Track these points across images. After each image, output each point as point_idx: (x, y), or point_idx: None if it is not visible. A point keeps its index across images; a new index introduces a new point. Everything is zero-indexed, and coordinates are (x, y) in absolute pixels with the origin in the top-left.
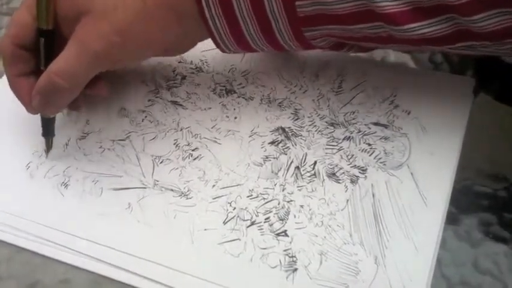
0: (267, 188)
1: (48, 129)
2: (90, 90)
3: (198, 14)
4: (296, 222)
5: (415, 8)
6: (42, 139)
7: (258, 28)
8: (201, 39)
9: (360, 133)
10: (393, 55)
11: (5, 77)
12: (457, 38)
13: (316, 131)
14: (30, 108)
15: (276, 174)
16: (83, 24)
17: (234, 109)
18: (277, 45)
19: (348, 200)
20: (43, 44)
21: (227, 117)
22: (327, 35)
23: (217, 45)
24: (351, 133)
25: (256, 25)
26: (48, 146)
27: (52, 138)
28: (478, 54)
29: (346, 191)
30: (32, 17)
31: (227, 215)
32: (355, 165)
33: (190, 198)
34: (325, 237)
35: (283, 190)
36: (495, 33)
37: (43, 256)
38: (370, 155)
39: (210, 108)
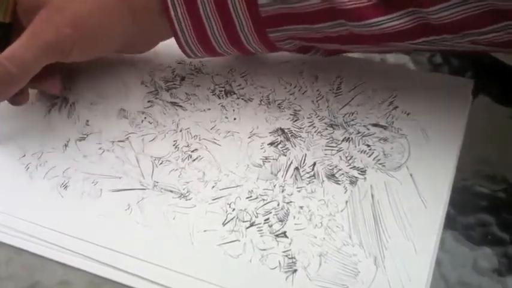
0: (267, 189)
1: None
2: (41, 85)
3: (164, 13)
4: (295, 224)
5: (375, 3)
6: (42, 140)
7: (222, 29)
8: (163, 39)
9: (359, 134)
10: (392, 57)
11: None
12: (418, 33)
13: (315, 132)
14: None
15: (276, 175)
16: (39, 16)
17: (233, 110)
18: (242, 47)
19: (347, 201)
20: None
21: (226, 118)
22: (291, 37)
23: (182, 49)
24: (350, 134)
25: (221, 26)
26: None
27: None
28: (437, 49)
29: (345, 192)
30: None
31: (226, 216)
32: (354, 167)
33: (189, 199)
34: (324, 238)
35: (282, 191)
36: (453, 25)
37: (42, 257)
38: (369, 156)
39: (210, 109)
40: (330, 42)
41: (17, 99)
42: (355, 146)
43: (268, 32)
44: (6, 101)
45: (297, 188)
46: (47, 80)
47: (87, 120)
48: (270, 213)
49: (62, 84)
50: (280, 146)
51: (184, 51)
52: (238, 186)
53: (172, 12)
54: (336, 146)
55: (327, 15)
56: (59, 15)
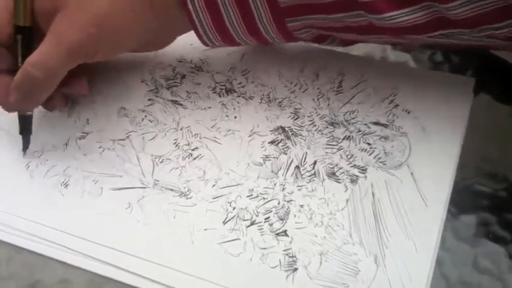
0: (267, 188)
1: (25, 127)
2: (68, 89)
3: (181, 6)
4: (296, 222)
5: None
6: (42, 139)
7: (240, 19)
8: (182, 33)
9: (360, 132)
10: (393, 54)
11: None
12: (435, 26)
13: (316, 130)
14: (7, 105)
15: (276, 173)
16: (60, 18)
17: (234, 108)
18: (260, 37)
19: (347, 200)
20: (20, 40)
21: (227, 116)
22: (309, 25)
23: (200, 38)
24: (351, 132)
25: (239, 16)
26: (26, 145)
27: (29, 136)
28: (459, 44)
29: (346, 190)
30: (9, 13)
31: (227, 215)
32: (355, 165)
33: (190, 198)
34: (325, 237)
35: (283, 190)
36: (469, 20)
37: (43, 256)
38: (370, 155)
39: (210, 107)
40: (348, 32)
41: (51, 104)
42: (356, 145)
43: (287, 21)
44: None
45: (298, 186)
46: (75, 83)
47: (88, 119)
48: (271, 211)
49: (87, 84)
50: (280, 144)
51: (202, 40)
52: (238, 184)
53: (190, 6)
54: (336, 145)
55: (346, 6)
56: (82, 15)
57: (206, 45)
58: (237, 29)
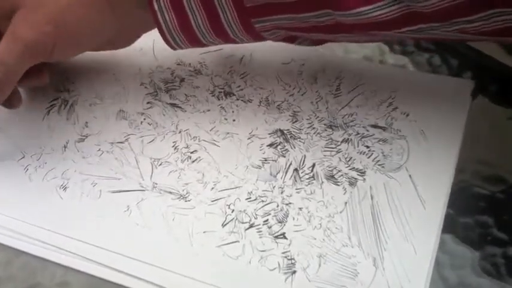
0: (266, 191)
1: None
2: (29, 83)
3: (146, 5)
4: (295, 225)
5: None
6: (41, 141)
7: (206, 20)
8: (146, 31)
9: (359, 135)
10: (391, 57)
11: None
12: (405, 21)
13: (314, 133)
14: None
15: (275, 176)
16: (17, 17)
17: (233, 111)
18: (227, 38)
19: (346, 203)
20: None
21: (226, 119)
22: (276, 27)
23: (166, 41)
24: (350, 135)
25: (205, 17)
26: None
27: None
28: (425, 38)
29: (344, 193)
30: None
31: (226, 218)
32: (353, 168)
33: (189, 200)
34: (323, 239)
35: (281, 192)
36: (441, 12)
37: (42, 259)
38: (368, 158)
39: (209, 110)
40: (316, 32)
41: (10, 102)
42: (355, 147)
43: (253, 22)
44: None
45: (296, 189)
46: (35, 77)
47: (86, 122)
48: (269, 214)
49: (48, 74)
50: (279, 147)
51: (168, 43)
52: (237, 187)
53: (155, 5)
54: (335, 147)
55: (312, 4)
56: (37, 13)
57: (173, 48)
58: (203, 30)
